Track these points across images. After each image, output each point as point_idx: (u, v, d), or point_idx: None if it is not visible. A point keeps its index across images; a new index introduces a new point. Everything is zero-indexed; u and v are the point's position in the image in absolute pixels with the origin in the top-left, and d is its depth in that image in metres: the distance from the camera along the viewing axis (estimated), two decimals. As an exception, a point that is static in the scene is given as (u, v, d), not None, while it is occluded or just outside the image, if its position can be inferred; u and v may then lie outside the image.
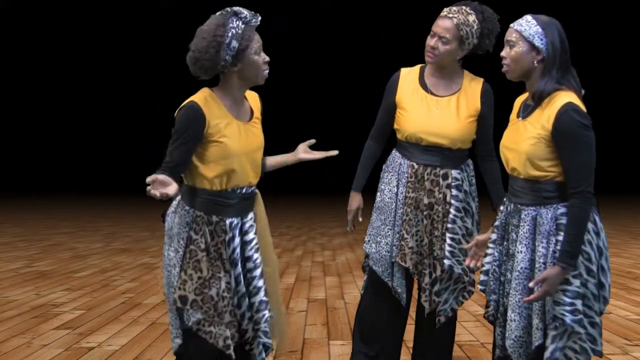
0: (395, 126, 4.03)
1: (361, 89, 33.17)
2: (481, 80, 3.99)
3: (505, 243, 3.25)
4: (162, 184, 2.82)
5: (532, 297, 2.98)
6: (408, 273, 4.03)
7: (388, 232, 4.01)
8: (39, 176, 34.51)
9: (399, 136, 4.02)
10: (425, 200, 3.93)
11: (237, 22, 3.03)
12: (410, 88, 3.98)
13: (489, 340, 5.43)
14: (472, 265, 3.41)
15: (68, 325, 5.94)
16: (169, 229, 3.18)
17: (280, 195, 28.60)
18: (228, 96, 3.14)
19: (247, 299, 3.15)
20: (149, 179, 2.84)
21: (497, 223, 3.28)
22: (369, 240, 4.05)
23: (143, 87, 33.76)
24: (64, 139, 35.03)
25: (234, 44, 3.01)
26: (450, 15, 3.81)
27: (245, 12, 3.05)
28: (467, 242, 3.93)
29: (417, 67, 4.04)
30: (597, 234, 3.06)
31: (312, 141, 3.44)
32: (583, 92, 3.11)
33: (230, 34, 3.00)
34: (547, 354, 3.04)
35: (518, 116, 3.21)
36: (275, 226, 15.75)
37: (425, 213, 3.93)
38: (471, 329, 5.84)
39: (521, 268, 3.11)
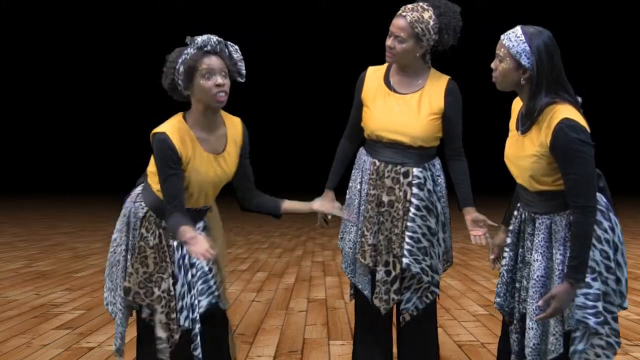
0: (362, 124, 4.05)
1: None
2: (447, 78, 3.95)
3: (520, 250, 3.28)
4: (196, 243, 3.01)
5: (542, 315, 3.02)
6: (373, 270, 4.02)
7: (352, 228, 4.04)
8: (39, 176, 34.51)
9: (364, 134, 4.04)
10: (386, 198, 3.92)
11: (190, 49, 3.16)
12: (375, 86, 3.99)
13: (489, 341, 5.43)
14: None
15: (68, 325, 5.94)
16: (124, 216, 3.37)
17: (280, 195, 28.51)
18: (197, 123, 3.24)
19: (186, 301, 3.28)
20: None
21: (511, 228, 3.32)
22: (340, 238, 4.11)
23: (142, 87, 33.77)
24: (64, 138, 35.03)
25: (181, 69, 3.15)
26: (404, 13, 3.80)
27: (199, 38, 3.17)
28: (429, 241, 3.89)
29: (384, 66, 4.04)
30: (613, 230, 3.09)
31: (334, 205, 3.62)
32: (580, 100, 3.10)
33: (180, 60, 3.16)
34: (571, 356, 3.08)
35: (517, 128, 3.21)
36: (276, 226, 15.76)
37: (384, 210, 3.92)
38: (471, 329, 5.83)
39: (537, 276, 3.14)
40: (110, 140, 34.89)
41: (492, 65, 3.16)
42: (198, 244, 2.97)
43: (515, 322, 3.30)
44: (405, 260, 3.85)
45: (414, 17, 3.78)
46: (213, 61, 3.16)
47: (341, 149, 4.19)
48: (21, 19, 33.23)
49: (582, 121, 3.01)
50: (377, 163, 3.95)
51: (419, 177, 3.90)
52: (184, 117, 3.25)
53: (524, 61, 3.05)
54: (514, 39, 3.07)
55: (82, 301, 6.97)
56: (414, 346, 4.04)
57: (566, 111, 3.00)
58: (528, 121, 3.12)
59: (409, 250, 3.85)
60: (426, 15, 3.79)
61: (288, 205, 3.55)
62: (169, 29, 32.38)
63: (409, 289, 3.93)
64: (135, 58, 33.65)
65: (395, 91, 3.94)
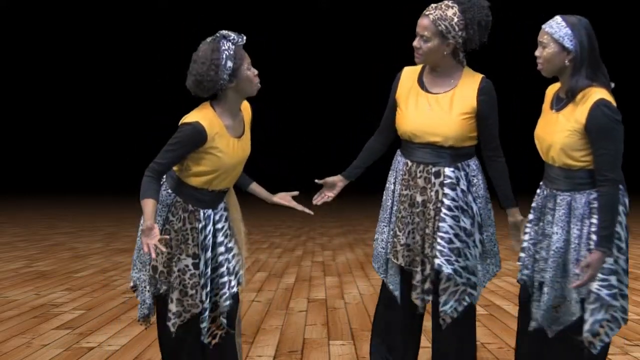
0: (395, 125, 4.05)
1: (362, 88, 33.21)
2: (480, 76, 3.91)
3: (540, 224, 3.56)
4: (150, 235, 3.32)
5: (579, 282, 3.30)
6: (405, 271, 4.00)
7: (384, 228, 4.04)
8: (39, 176, 34.52)
9: (398, 134, 4.04)
10: (419, 198, 3.91)
11: (228, 44, 3.46)
12: (408, 86, 3.99)
13: (489, 340, 5.43)
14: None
15: (68, 325, 5.94)
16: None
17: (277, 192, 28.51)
18: (226, 112, 3.57)
19: (215, 279, 3.63)
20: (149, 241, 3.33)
21: (534, 205, 3.61)
22: (375, 239, 4.11)
23: (142, 87, 33.78)
24: (64, 138, 35.04)
25: (229, 64, 3.45)
26: (427, 12, 3.81)
27: (232, 34, 3.49)
28: (463, 242, 3.84)
29: (420, 66, 4.03)
30: (627, 215, 3.40)
31: (295, 193, 3.89)
32: (612, 85, 3.40)
33: (224, 56, 3.44)
34: (586, 326, 3.38)
35: (551, 107, 3.50)
36: (276, 226, 15.76)
37: (418, 210, 3.91)
38: (471, 329, 5.83)
39: (556, 248, 3.44)
40: (109, 140, 34.90)
41: (536, 53, 3.43)
42: (151, 236, 3.29)
43: (535, 291, 3.55)
44: (437, 261, 3.81)
45: (436, 15, 3.78)
46: (247, 54, 3.53)
47: (368, 145, 4.19)
48: (21, 19, 33.24)
49: (614, 103, 3.33)
50: (410, 163, 3.95)
51: (450, 177, 3.87)
52: (212, 107, 3.55)
53: (567, 44, 3.35)
54: (556, 26, 3.38)
55: (82, 301, 6.97)
56: (448, 351, 3.98)
57: (601, 93, 3.32)
58: (564, 100, 3.43)
59: (440, 251, 3.81)
60: (450, 12, 3.78)
61: (255, 187, 3.89)
62: (171, 29, 32.40)
63: (446, 292, 3.87)
64: (136, 59, 33.66)
65: (427, 91, 3.93)
